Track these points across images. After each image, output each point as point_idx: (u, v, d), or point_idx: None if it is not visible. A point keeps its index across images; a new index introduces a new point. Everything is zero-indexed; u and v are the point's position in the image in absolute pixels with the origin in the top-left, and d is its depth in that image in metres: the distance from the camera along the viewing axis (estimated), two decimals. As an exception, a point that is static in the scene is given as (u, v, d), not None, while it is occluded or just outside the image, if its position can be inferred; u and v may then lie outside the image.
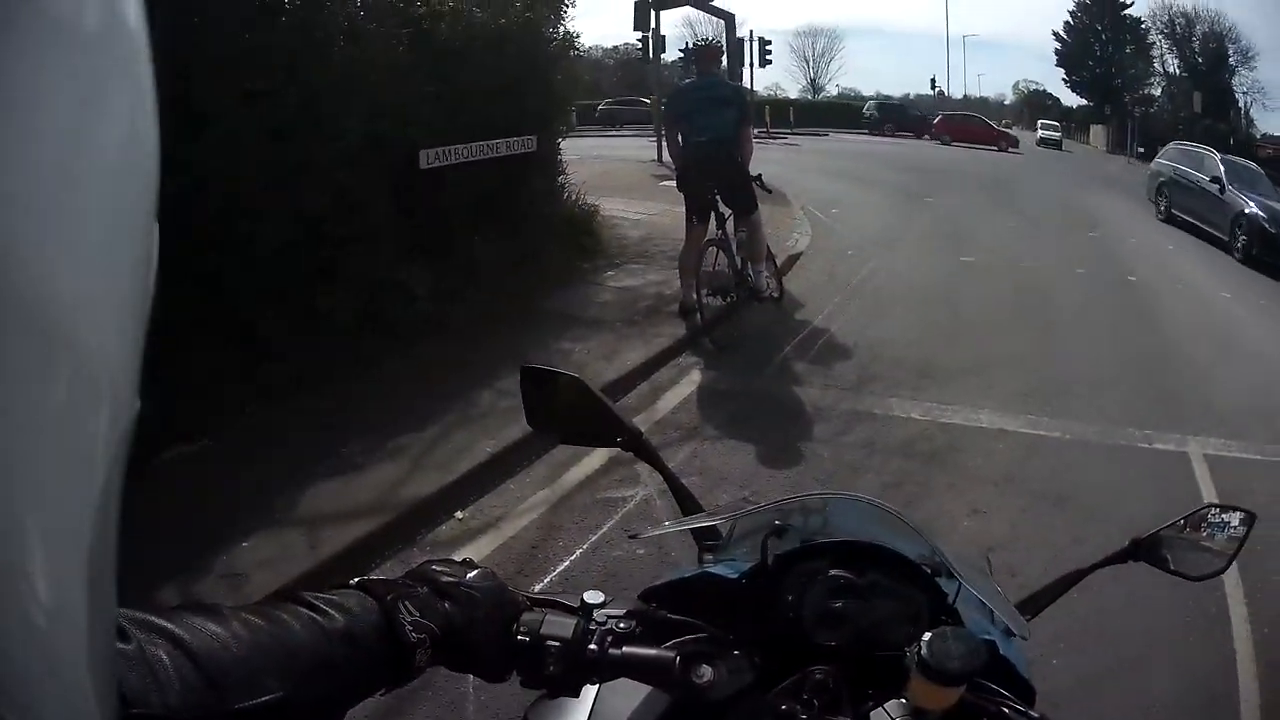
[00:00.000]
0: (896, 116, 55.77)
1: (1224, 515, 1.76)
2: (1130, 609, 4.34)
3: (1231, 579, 4.77)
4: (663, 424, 6.14)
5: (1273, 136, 67.12)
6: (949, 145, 45.40)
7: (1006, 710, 1.25)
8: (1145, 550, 1.73)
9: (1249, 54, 66.91)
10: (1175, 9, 69.14)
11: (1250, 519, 1.74)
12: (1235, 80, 67.09)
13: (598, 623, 1.19)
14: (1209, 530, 1.75)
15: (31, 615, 0.51)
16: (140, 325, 0.59)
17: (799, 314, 8.97)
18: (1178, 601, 4.47)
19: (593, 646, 1.15)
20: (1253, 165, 19.23)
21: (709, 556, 1.61)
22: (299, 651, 0.92)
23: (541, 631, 1.14)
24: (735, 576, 1.43)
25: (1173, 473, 6.05)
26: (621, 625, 1.21)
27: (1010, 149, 47.65)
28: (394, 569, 4.10)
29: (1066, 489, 5.67)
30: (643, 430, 5.02)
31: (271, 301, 5.89)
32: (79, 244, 0.53)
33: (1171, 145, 22.01)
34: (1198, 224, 17.70)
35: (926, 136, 49.06)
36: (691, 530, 1.67)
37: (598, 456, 5.17)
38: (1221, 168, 17.78)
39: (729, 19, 18.33)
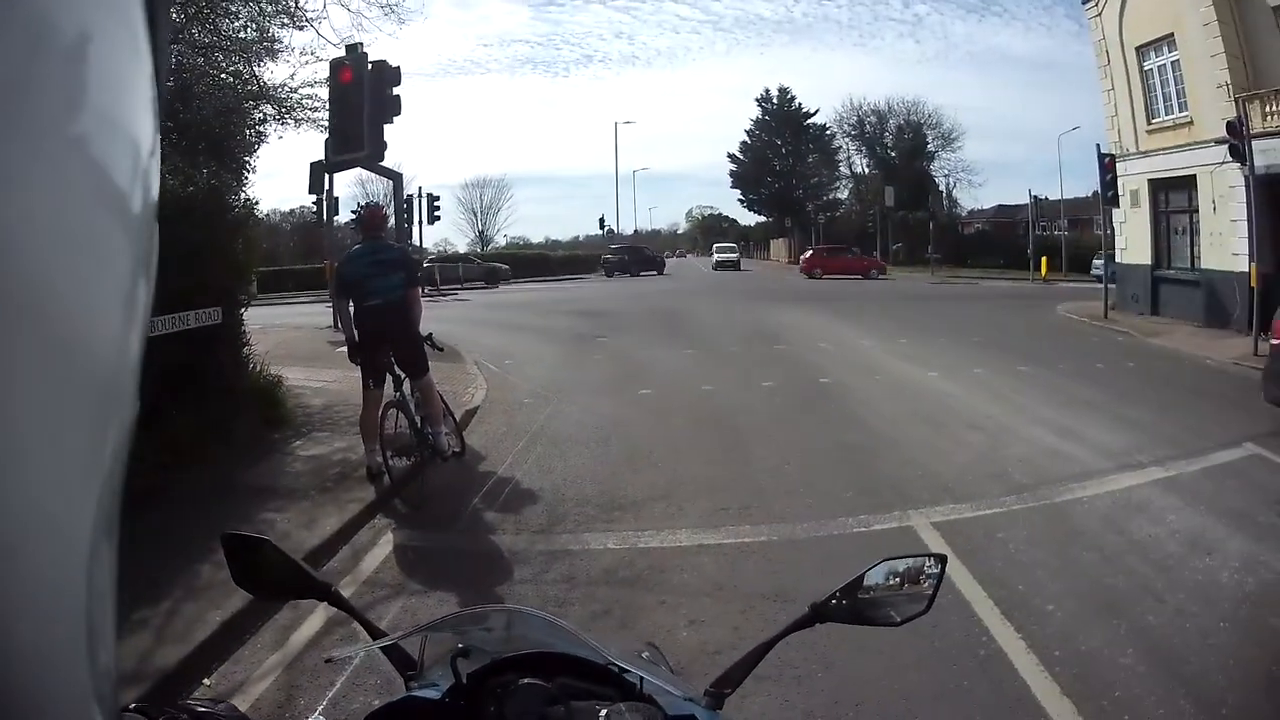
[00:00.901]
0: (637, 257, 58.58)
1: (913, 563, 1.83)
2: (902, 670, 4.77)
3: (994, 620, 5.37)
4: (370, 583, 6.23)
5: (980, 210, 70.72)
6: (819, 279, 46.15)
7: None
8: (830, 611, 1.82)
9: (951, 136, 70.50)
10: (865, 108, 72.74)
11: (941, 560, 1.85)
12: (935, 165, 70.71)
13: None
14: (899, 579, 1.82)
15: (32, 613, 0.53)
16: (140, 326, 0.64)
17: (482, 466, 9.17)
18: (944, 655, 4.94)
19: None
20: None
21: (413, 684, 1.74)
22: None
23: None
24: (438, 697, 1.60)
25: (899, 547, 6.33)
26: None
27: (880, 275, 48.66)
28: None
29: (784, 586, 5.92)
30: (350, 590, 5.33)
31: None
32: (79, 246, 0.55)
33: None
34: None
35: (801, 272, 49.72)
36: (392, 662, 1.81)
37: (318, 618, 5.30)
38: None
39: (397, 178, 18.66)
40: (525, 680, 1.53)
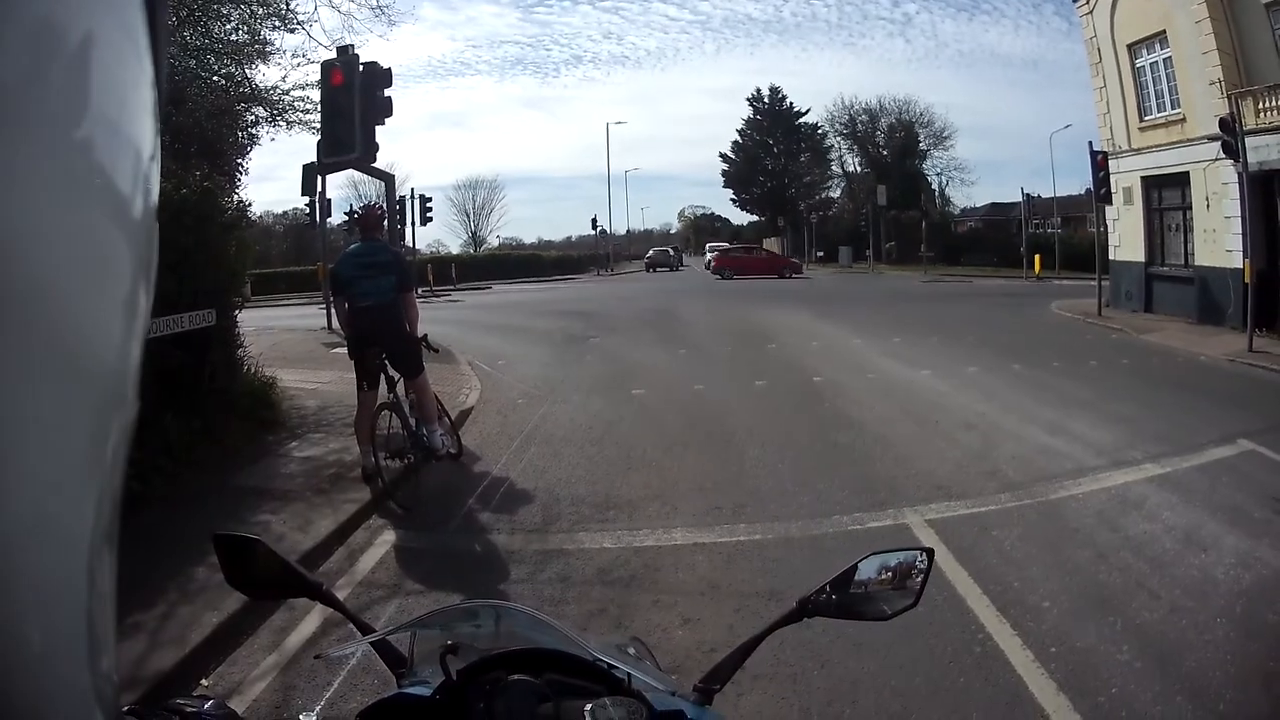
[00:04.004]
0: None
1: (901, 557, 1.83)
2: (898, 668, 4.77)
3: (990, 616, 5.38)
4: (365, 584, 6.21)
5: (973, 209, 70.49)
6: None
7: None
8: (818, 606, 1.80)
9: (943, 134, 70.21)
10: (856, 107, 72.35)
11: (928, 554, 1.85)
12: (927, 164, 70.29)
13: None
14: (888, 574, 1.81)
15: (34, 615, 0.53)
16: (139, 327, 0.65)
17: (477, 466, 9.20)
18: (940, 652, 4.93)
19: None
20: None
21: (404, 681, 1.74)
22: None
23: None
24: (429, 694, 1.60)
25: (893, 544, 6.14)
26: None
27: (794, 275, 48.54)
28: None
29: (779, 584, 5.94)
30: (346, 592, 5.33)
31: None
32: (79, 247, 0.56)
33: None
34: None
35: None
36: (383, 660, 1.82)
37: (314, 619, 5.30)
38: None
39: (389, 180, 18.58)
40: (514, 677, 1.56)
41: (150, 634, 5.06)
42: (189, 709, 1.33)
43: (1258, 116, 19.67)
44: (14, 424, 0.51)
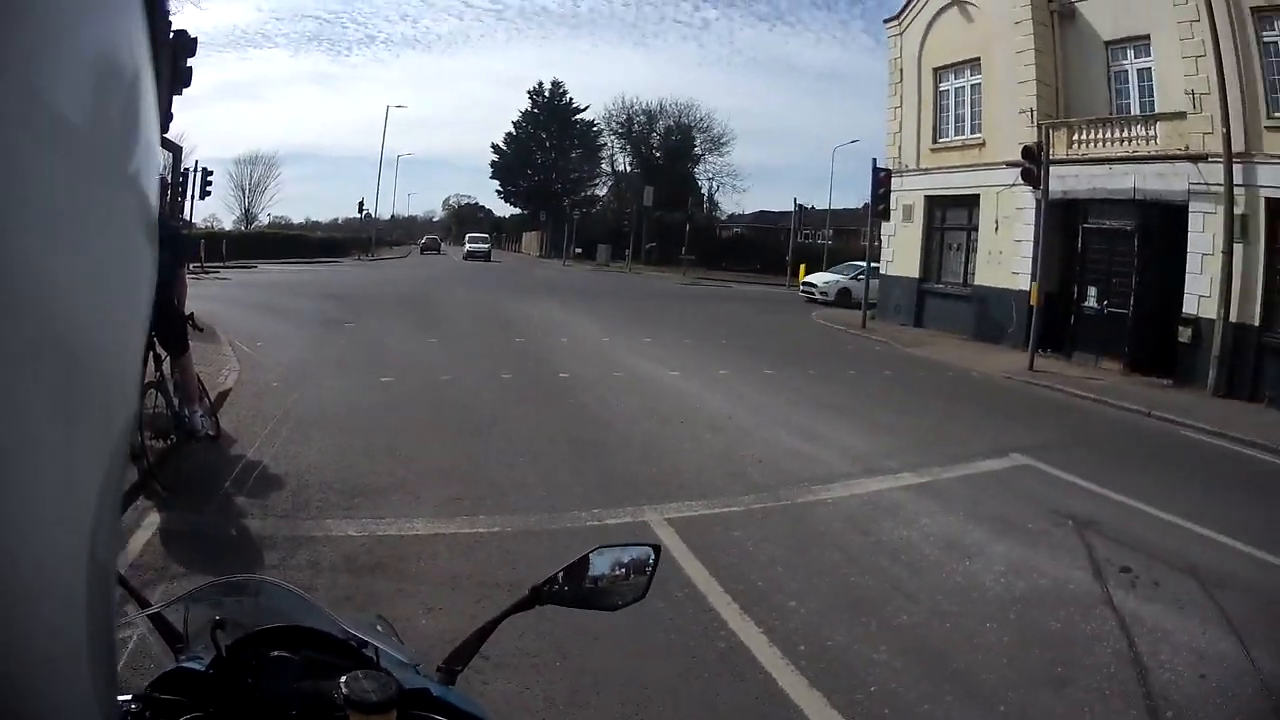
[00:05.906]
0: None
1: (632, 551, 1.93)
2: (639, 660, 4.98)
3: (732, 614, 5.61)
4: (135, 566, 6.19)
5: (740, 215, 72.15)
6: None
7: None
8: (550, 595, 1.87)
9: (721, 140, 71.30)
10: (636, 107, 72.92)
11: (655, 550, 1.94)
12: (700, 168, 71.50)
13: None
14: (618, 568, 1.89)
15: (32, 611, 0.55)
16: (140, 328, 0.68)
17: (233, 449, 9.31)
18: (681, 647, 5.14)
19: None
20: None
21: (181, 656, 1.72)
22: None
23: None
24: (203, 668, 1.59)
25: (632, 539, 5.92)
26: (130, 710, 1.47)
27: None
28: None
29: (518, 575, 6.07)
30: (119, 574, 5.99)
31: None
32: (81, 249, 0.58)
33: None
34: None
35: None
36: (161, 636, 1.78)
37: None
38: None
39: (176, 151, 17.98)
40: (275, 653, 1.60)
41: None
42: None
43: (1070, 147, 21.20)
44: (15, 419, 0.53)
